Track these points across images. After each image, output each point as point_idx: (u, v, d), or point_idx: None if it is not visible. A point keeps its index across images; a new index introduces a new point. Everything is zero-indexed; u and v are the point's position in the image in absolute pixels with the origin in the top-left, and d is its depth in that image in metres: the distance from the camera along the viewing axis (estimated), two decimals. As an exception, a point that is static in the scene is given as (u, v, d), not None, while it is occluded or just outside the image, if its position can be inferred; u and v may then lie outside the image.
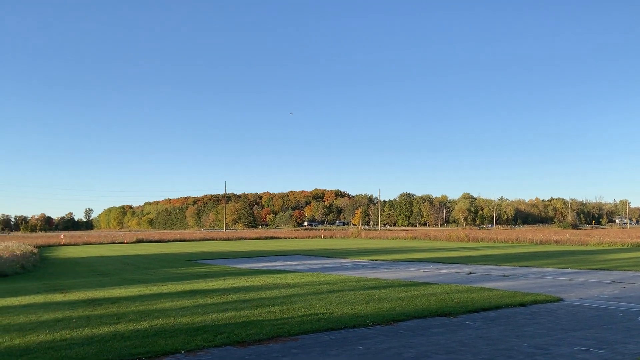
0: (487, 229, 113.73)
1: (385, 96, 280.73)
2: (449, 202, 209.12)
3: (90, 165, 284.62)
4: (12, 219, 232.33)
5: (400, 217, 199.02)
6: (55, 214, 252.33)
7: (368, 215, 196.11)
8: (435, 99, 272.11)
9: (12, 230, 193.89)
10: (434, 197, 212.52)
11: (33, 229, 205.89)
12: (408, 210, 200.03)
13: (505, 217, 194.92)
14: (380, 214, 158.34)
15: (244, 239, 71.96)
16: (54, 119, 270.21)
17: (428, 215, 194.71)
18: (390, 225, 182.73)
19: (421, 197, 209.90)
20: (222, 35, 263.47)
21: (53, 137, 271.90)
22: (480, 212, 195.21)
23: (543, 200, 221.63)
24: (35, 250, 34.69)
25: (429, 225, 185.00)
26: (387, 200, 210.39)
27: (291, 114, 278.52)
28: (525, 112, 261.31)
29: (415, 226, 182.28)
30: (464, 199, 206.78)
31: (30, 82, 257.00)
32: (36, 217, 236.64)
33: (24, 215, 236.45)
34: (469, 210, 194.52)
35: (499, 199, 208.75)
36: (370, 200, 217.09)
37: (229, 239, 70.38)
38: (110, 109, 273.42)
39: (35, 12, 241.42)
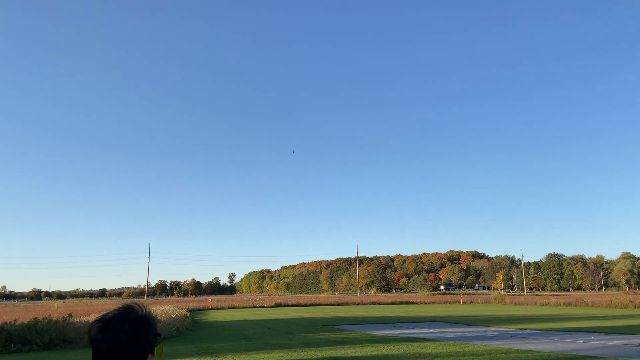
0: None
1: (522, 150, 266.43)
2: (606, 263, 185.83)
3: (233, 233, 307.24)
4: (168, 284, 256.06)
5: (548, 280, 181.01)
6: (204, 279, 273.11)
7: (511, 278, 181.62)
8: (584, 149, 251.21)
9: (167, 295, 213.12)
10: (587, 257, 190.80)
11: (185, 293, 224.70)
12: (557, 272, 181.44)
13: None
14: (525, 277, 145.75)
15: (379, 303, 70.61)
16: (205, 193, 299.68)
17: (582, 279, 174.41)
18: (538, 290, 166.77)
19: (572, 258, 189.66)
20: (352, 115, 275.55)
21: (202, 210, 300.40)
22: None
23: None
24: (188, 314, 37.42)
25: (583, 290, 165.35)
26: (531, 261, 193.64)
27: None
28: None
29: (568, 290, 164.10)
30: (624, 259, 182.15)
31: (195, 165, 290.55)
32: (187, 282, 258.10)
33: (178, 280, 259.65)
34: (631, 272, 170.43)
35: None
36: (512, 261, 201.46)
37: (363, 304, 69.58)
38: (244, 185, 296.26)
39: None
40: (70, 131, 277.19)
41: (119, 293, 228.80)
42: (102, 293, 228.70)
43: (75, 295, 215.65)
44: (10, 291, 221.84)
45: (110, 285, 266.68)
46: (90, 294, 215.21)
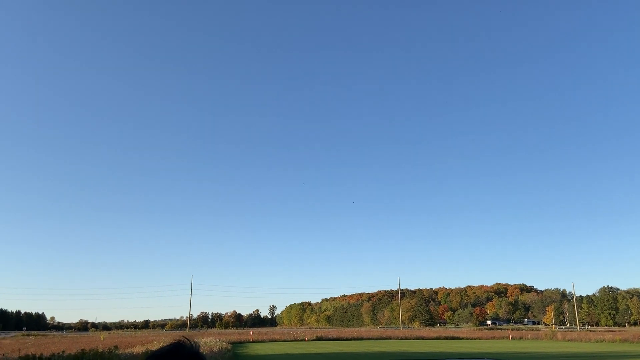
0: None
1: (572, 177, 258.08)
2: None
3: (274, 265, 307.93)
4: (209, 316, 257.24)
5: (602, 315, 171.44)
6: (245, 311, 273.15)
7: (562, 313, 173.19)
8: (634, 174, 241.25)
9: (209, 327, 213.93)
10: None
11: (226, 325, 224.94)
12: (612, 307, 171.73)
13: None
14: (578, 312, 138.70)
15: (422, 338, 68.58)
16: (247, 226, 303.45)
17: (639, 313, 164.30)
18: (591, 325, 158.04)
19: (627, 292, 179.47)
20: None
21: (243, 241, 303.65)
22: None
23: None
24: (229, 347, 37.47)
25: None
26: (584, 295, 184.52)
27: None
28: None
29: (623, 326, 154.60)
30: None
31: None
32: (229, 314, 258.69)
33: (219, 312, 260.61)
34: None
35: None
36: (563, 295, 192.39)
37: (406, 338, 67.70)
38: (284, 217, 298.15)
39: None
40: (118, 157, 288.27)
41: (162, 325, 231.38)
42: (146, 324, 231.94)
43: (120, 326, 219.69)
44: (59, 322, 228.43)
45: (154, 316, 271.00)
46: (135, 326, 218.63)
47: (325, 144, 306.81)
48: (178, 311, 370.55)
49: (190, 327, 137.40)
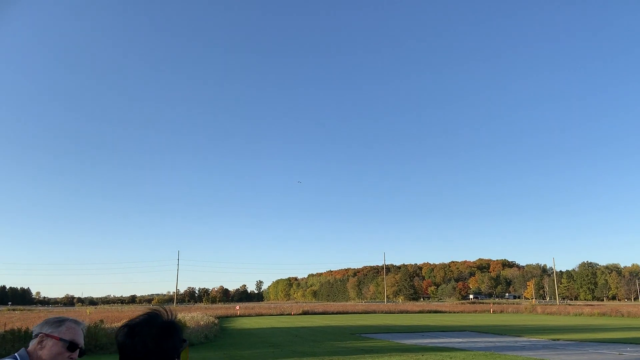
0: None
1: (554, 155, 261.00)
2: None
3: (261, 240, 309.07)
4: (196, 291, 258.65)
5: (582, 290, 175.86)
6: (232, 287, 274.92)
7: (542, 287, 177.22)
8: (617, 154, 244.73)
9: (196, 302, 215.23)
10: (622, 266, 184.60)
11: (213, 300, 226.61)
12: (591, 282, 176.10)
13: None
14: (558, 287, 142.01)
15: (407, 312, 69.85)
16: (234, 202, 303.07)
17: (617, 288, 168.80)
18: (570, 300, 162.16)
19: (606, 267, 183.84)
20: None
21: (230, 218, 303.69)
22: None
23: None
24: (216, 321, 37.71)
25: (618, 300, 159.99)
26: (564, 270, 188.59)
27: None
28: None
29: (602, 300, 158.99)
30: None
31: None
32: (216, 289, 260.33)
33: (206, 287, 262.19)
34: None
35: None
36: (544, 270, 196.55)
37: (390, 312, 68.92)
38: (272, 194, 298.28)
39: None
40: (101, 138, 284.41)
41: (148, 300, 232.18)
42: (133, 300, 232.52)
43: (107, 301, 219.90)
44: (44, 297, 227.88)
45: (141, 292, 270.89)
46: (121, 301, 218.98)
47: (309, 118, 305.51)
48: (165, 286, 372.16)
49: (177, 302, 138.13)
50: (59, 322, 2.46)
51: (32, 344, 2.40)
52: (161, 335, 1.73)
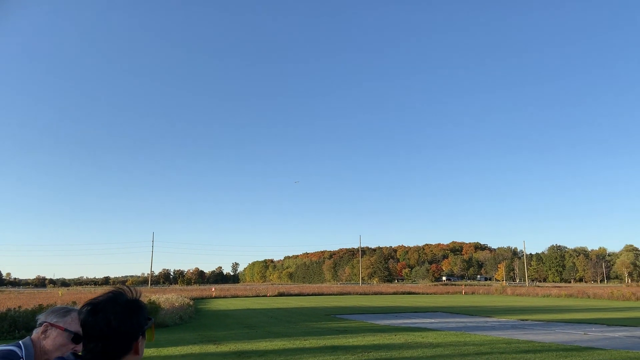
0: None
1: (525, 142, 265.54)
2: (609, 256, 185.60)
3: (237, 223, 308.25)
4: (171, 273, 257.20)
5: (550, 272, 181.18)
6: (207, 268, 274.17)
7: (513, 270, 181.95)
8: (586, 141, 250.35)
9: (171, 284, 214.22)
10: (589, 249, 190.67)
11: (188, 282, 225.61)
12: (559, 264, 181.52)
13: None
14: (527, 269, 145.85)
15: (381, 293, 70.85)
16: (210, 184, 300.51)
17: (584, 271, 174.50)
18: (540, 281, 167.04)
19: (574, 250, 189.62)
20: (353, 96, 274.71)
21: (206, 200, 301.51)
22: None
23: None
24: (191, 303, 37.55)
25: (585, 282, 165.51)
26: (533, 253, 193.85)
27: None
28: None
29: (569, 282, 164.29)
30: (627, 251, 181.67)
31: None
32: (191, 271, 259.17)
33: (181, 269, 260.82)
34: (634, 265, 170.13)
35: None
36: (515, 253, 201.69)
37: (365, 294, 69.84)
38: (248, 176, 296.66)
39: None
40: (74, 123, 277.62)
41: (122, 281, 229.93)
42: (106, 281, 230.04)
43: (79, 283, 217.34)
44: (15, 278, 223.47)
45: (114, 273, 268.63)
46: (94, 282, 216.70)
47: (292, 100, 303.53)
48: (140, 268, 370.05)
49: (151, 284, 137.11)
50: (66, 311, 2.39)
51: (36, 333, 2.33)
52: (125, 313, 1.70)
